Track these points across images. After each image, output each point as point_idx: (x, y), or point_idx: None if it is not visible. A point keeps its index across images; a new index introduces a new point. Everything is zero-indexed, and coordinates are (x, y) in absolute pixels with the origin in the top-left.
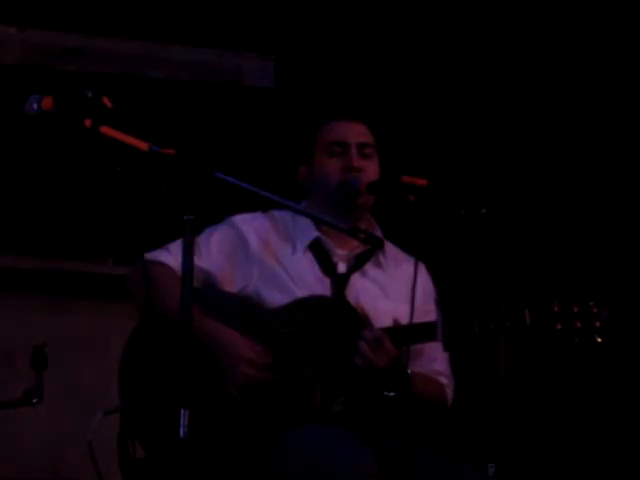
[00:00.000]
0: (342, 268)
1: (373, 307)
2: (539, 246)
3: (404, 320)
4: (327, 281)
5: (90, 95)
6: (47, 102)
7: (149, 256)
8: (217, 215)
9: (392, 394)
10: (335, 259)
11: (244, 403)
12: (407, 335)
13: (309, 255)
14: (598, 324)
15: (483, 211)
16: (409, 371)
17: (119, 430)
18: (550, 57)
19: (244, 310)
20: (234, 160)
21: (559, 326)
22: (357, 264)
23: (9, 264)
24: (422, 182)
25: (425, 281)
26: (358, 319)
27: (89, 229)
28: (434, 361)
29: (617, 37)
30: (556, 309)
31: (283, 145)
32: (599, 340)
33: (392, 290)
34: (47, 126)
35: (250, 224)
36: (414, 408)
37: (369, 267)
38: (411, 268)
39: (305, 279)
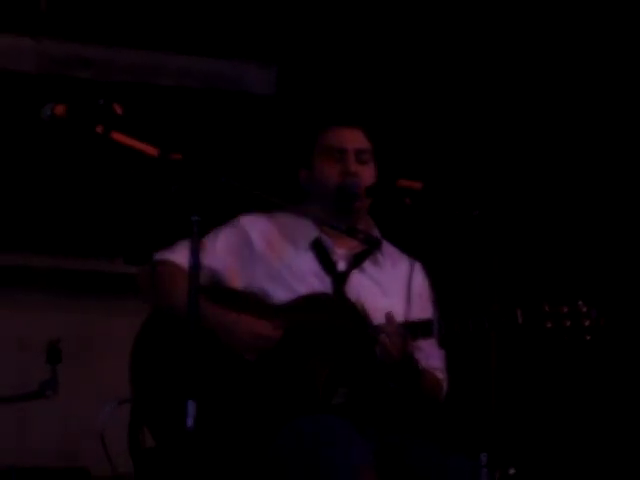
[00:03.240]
0: (342, 266)
1: (372, 304)
2: (530, 247)
3: (401, 317)
4: (328, 279)
5: (102, 102)
6: (60, 109)
7: (158, 255)
8: (223, 216)
9: (394, 385)
10: (335, 258)
11: (247, 395)
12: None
13: (310, 254)
14: (587, 323)
15: (476, 213)
16: (420, 367)
17: (130, 420)
18: (543, 61)
19: (249, 306)
20: (238, 164)
21: (550, 325)
22: (356, 262)
23: (22, 262)
24: (417, 185)
25: (421, 280)
26: (358, 315)
27: (101, 229)
28: (431, 357)
29: (617, 37)
30: (547, 309)
31: (284, 150)
32: (588, 338)
33: (390, 288)
34: (61, 132)
35: (254, 225)
36: (413, 401)
37: (368, 265)
38: (408, 267)
39: (307, 277)
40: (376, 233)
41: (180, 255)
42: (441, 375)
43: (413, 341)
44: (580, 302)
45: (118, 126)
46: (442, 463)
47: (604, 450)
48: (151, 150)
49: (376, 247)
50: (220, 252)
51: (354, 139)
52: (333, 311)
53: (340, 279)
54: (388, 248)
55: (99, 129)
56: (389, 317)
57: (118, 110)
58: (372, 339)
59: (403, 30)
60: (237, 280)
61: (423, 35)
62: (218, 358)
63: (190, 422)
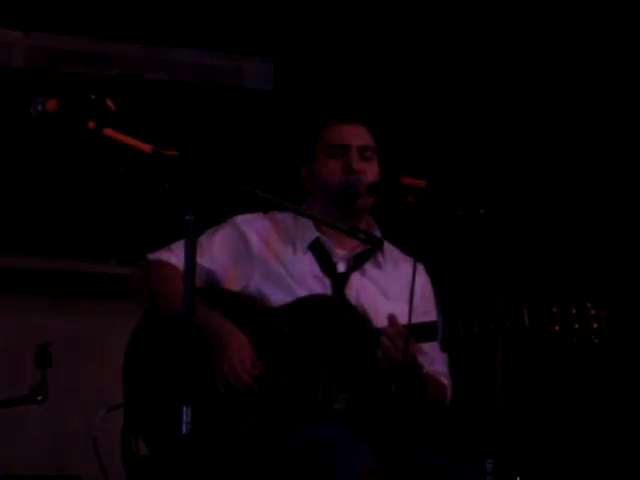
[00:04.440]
0: (342, 268)
1: (373, 306)
2: (537, 247)
3: (402, 320)
4: (327, 281)
5: (94, 97)
6: (52, 104)
7: (152, 256)
8: (219, 216)
9: (396, 390)
10: (335, 259)
11: (246, 400)
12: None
13: (309, 255)
14: (596, 325)
15: (481, 212)
16: (423, 371)
17: (123, 427)
18: (549, 57)
19: (246, 309)
20: (235, 161)
21: (557, 327)
22: (356, 264)
23: (13, 264)
24: (421, 183)
25: (424, 282)
26: (359, 318)
27: (93, 229)
28: (435, 361)
29: (617, 37)
30: (554, 310)
31: (284, 147)
32: (596, 341)
33: (391, 290)
34: (51, 128)
35: (251, 225)
36: (417, 407)
37: (368, 267)
38: (410, 268)
39: (306, 278)
40: (377, 233)
41: (175, 255)
42: (445, 380)
43: (416, 344)
44: (589, 304)
45: (111, 122)
46: (445, 470)
47: (614, 458)
48: (145, 147)
49: (378, 247)
50: (216, 252)
51: (357, 135)
52: (333, 314)
53: (340, 281)
54: (390, 249)
55: (91, 125)
56: (392, 319)
57: (111, 105)
58: (373, 342)
59: (407, 25)
60: (233, 281)
61: (427, 31)
62: (213, 360)
63: (185, 429)
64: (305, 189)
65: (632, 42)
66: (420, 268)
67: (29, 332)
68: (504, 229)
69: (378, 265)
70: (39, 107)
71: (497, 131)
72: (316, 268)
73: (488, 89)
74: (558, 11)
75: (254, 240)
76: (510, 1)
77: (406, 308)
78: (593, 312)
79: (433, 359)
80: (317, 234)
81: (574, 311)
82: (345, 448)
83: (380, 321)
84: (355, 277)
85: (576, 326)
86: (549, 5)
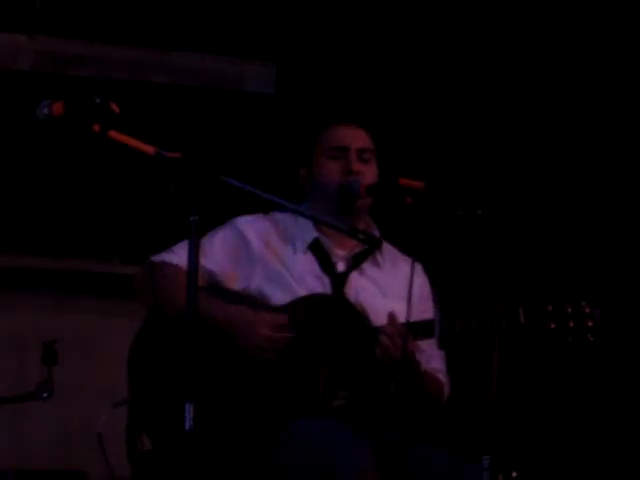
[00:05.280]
0: (341, 267)
1: (372, 305)
2: (533, 246)
3: (401, 318)
4: (327, 280)
5: (98, 101)
6: (58, 107)
7: (155, 258)
8: (221, 216)
9: (395, 387)
10: (334, 259)
11: (246, 398)
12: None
13: (309, 255)
14: (590, 324)
15: (478, 212)
16: (421, 369)
17: (128, 423)
18: (545, 58)
19: (248, 307)
20: (237, 163)
21: (553, 325)
22: (355, 263)
23: (17, 263)
24: (419, 184)
25: (421, 280)
26: (358, 316)
27: (97, 229)
28: (432, 359)
29: (617, 37)
30: (550, 309)
31: (284, 149)
32: (591, 339)
33: (389, 288)
34: (57, 130)
35: (252, 226)
36: (415, 404)
37: (367, 266)
38: (408, 267)
39: (305, 278)
40: (376, 233)
41: (178, 257)
42: (443, 377)
43: (414, 342)
44: (584, 303)
45: (115, 124)
46: (443, 465)
47: (608, 453)
48: (148, 148)
49: (377, 247)
50: (217, 254)
51: (356, 137)
52: (332, 313)
53: (339, 280)
54: (388, 249)
55: (96, 127)
56: (391, 317)
57: (115, 108)
58: (372, 340)
59: (404, 28)
60: (234, 282)
61: (425, 33)
62: (217, 360)
63: (188, 425)
64: (304, 190)
65: (632, 42)
66: (418, 267)
67: (32, 331)
68: (501, 229)
69: (377, 264)
70: (45, 110)
71: (494, 132)
72: (316, 268)
73: (485, 90)
74: (557, 11)
75: (254, 241)
76: (509, 1)
77: (404, 306)
78: (588, 311)
79: (430, 357)
80: (317, 234)
81: (569, 309)
82: (344, 445)
83: (379, 319)
84: (354, 276)
85: (571, 324)
86: (548, 5)
